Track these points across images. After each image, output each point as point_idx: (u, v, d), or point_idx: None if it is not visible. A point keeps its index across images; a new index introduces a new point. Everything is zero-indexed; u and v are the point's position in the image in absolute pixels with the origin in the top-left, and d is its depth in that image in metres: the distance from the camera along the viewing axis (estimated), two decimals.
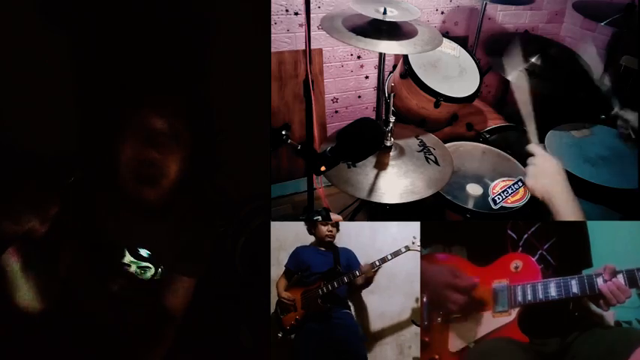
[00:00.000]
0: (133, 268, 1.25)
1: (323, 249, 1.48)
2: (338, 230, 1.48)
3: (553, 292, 1.14)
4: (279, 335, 1.45)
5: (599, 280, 1.09)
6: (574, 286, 1.12)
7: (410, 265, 1.42)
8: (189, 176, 1.20)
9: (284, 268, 1.48)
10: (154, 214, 1.20)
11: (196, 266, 1.31)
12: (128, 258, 1.24)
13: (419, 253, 1.37)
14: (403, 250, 1.40)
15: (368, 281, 1.43)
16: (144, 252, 1.24)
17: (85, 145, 1.23)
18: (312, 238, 1.50)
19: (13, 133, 1.30)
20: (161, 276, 1.28)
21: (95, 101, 1.26)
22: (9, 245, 0.88)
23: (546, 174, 1.20)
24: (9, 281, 0.97)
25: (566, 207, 1.15)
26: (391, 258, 1.40)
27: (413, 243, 1.38)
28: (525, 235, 1.26)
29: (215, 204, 1.36)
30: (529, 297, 1.17)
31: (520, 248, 1.25)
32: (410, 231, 1.40)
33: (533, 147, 1.26)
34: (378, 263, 1.41)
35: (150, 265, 1.26)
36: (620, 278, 1.07)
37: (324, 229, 1.46)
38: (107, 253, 1.20)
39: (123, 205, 1.16)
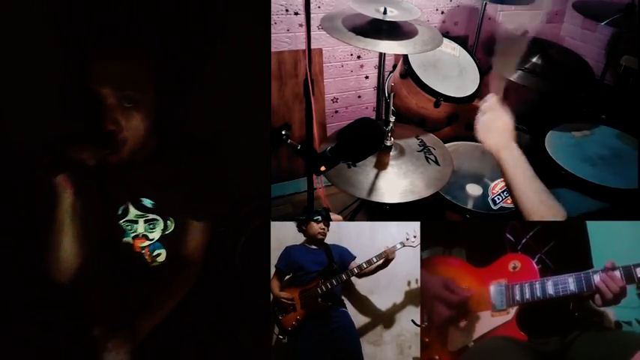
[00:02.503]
0: (141, 226, 1.24)
1: (314, 247, 1.48)
2: (329, 228, 1.48)
3: (550, 290, 1.14)
4: (281, 337, 1.45)
5: (596, 277, 1.10)
6: (571, 284, 1.12)
7: (410, 265, 1.43)
8: (165, 125, 1.19)
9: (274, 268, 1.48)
10: (148, 160, 1.20)
11: (202, 208, 1.29)
12: (133, 212, 1.23)
13: (415, 249, 1.37)
14: (398, 246, 1.40)
15: (385, 264, 1.41)
16: (147, 202, 1.23)
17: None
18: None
19: None
20: (173, 229, 1.28)
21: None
22: (68, 167, 0.99)
23: (496, 129, 1.20)
24: (58, 222, 1.04)
25: (515, 164, 1.16)
26: None
27: (407, 239, 1.39)
28: (524, 240, 1.26)
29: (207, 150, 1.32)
30: (527, 295, 1.17)
31: (519, 252, 1.25)
32: (412, 232, 1.41)
33: (490, 97, 1.25)
34: (375, 260, 1.42)
35: (157, 217, 1.25)
36: (617, 274, 1.07)
37: (317, 226, 1.46)
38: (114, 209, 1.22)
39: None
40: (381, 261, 1.41)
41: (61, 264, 1.09)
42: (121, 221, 1.24)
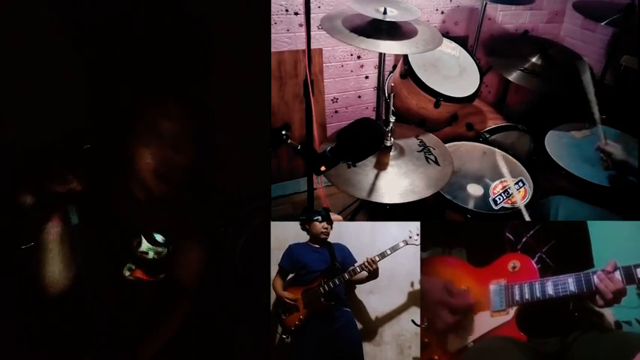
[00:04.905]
0: (151, 255, 1.29)
1: (317, 246, 1.48)
2: (332, 227, 1.48)
3: (550, 290, 1.14)
4: (284, 337, 1.45)
5: (596, 278, 1.09)
6: (571, 284, 1.12)
7: (410, 264, 1.43)
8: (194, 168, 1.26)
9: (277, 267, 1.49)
10: (162, 197, 1.25)
11: (199, 234, 1.33)
12: (145, 245, 1.28)
13: (416, 248, 1.37)
14: (401, 244, 1.40)
15: (373, 275, 1.43)
16: (159, 238, 1.29)
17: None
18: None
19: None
20: (171, 251, 1.32)
21: (106, 103, 1.30)
22: (59, 205, 0.99)
23: None
24: (46, 251, 1.06)
25: None
26: (390, 253, 1.41)
27: (410, 237, 1.39)
28: (524, 238, 1.26)
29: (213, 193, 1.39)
30: (526, 296, 1.17)
31: (519, 251, 1.25)
32: (415, 230, 1.41)
33: None
34: (378, 259, 1.42)
35: (163, 249, 1.30)
36: (617, 275, 1.07)
37: (320, 226, 1.47)
38: (124, 242, 1.26)
39: (136, 196, 1.23)
40: (365, 272, 1.42)
41: (48, 280, 1.11)
42: (137, 251, 1.29)
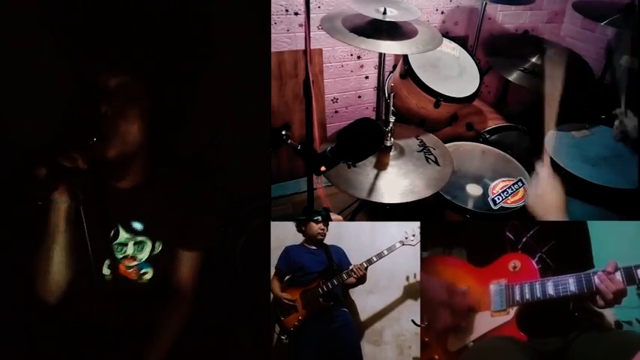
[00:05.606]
0: (130, 248, 1.25)
1: (314, 247, 1.49)
2: (328, 228, 1.48)
3: (551, 290, 1.14)
4: (282, 337, 1.45)
5: (597, 278, 1.09)
6: (571, 285, 1.12)
7: (410, 264, 1.43)
8: (160, 144, 1.21)
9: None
10: (139, 185, 1.21)
11: (196, 239, 1.30)
12: (123, 235, 1.23)
13: (415, 248, 1.38)
14: (398, 245, 1.41)
15: (361, 280, 1.44)
16: (137, 225, 1.24)
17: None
18: None
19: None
20: (160, 251, 1.27)
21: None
22: (63, 180, 0.99)
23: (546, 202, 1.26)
24: (51, 231, 1.04)
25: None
26: (387, 253, 1.42)
27: (406, 238, 1.39)
28: (524, 239, 1.26)
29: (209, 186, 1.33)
30: (527, 296, 1.17)
31: (519, 251, 1.25)
32: (410, 232, 1.41)
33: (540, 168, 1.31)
34: (375, 259, 1.42)
35: (145, 239, 1.25)
36: (618, 275, 1.07)
37: (316, 227, 1.47)
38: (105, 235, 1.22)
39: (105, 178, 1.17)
40: (352, 278, 1.42)
41: (51, 278, 1.08)
42: (113, 243, 1.24)
